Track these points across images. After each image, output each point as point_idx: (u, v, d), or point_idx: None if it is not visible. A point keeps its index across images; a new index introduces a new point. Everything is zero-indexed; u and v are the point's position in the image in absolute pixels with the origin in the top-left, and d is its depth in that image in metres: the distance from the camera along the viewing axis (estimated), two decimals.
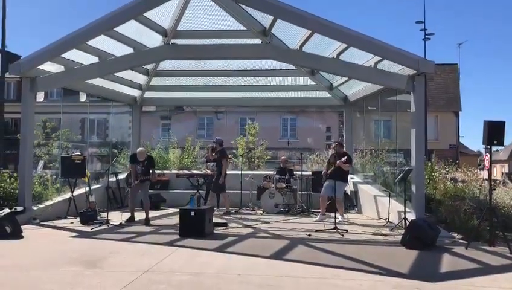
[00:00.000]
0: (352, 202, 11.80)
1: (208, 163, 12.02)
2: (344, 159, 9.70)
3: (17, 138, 10.00)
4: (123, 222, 9.17)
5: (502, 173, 33.67)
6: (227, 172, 11.32)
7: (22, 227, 8.00)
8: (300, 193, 11.65)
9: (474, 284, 5.23)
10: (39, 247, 7.16)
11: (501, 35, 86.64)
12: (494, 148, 8.18)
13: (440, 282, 5.30)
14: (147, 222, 9.25)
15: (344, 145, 11.64)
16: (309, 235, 8.03)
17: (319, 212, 11.19)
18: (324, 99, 13.43)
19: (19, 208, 8.90)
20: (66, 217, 9.82)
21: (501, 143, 7.46)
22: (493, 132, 7.28)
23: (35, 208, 9.56)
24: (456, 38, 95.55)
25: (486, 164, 7.95)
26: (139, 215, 9.56)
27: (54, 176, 11.77)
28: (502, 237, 7.12)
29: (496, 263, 6.26)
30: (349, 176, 12.58)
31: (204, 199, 11.00)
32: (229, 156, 12.36)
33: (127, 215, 9.62)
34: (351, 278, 5.43)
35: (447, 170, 10.84)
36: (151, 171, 9.51)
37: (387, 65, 9.15)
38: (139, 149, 10.12)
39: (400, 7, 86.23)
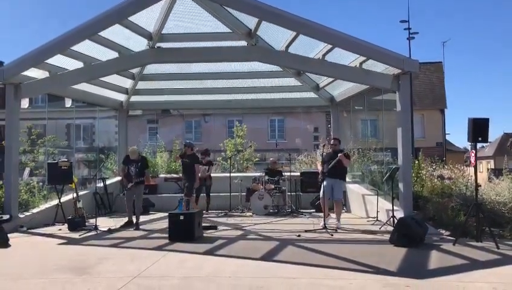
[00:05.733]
0: None
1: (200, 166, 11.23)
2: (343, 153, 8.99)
3: (2, 145, 9.88)
4: (114, 227, 9.10)
5: (488, 169, 34.04)
6: (215, 175, 11.20)
7: (9, 235, 7.90)
8: (289, 193, 11.67)
9: (463, 280, 5.29)
10: (27, 255, 7.07)
11: (484, 33, 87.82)
12: (479, 144, 8.27)
13: (429, 279, 5.34)
14: (136, 226, 9.20)
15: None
16: (298, 235, 8.04)
17: (308, 212, 11.22)
18: (311, 99, 13.49)
19: (5, 216, 8.81)
20: (53, 224, 9.73)
21: (485, 140, 7.54)
22: (477, 129, 7.37)
23: (22, 216, 9.46)
24: (441, 36, 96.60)
25: (472, 160, 8.02)
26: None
27: (41, 183, 11.64)
28: (489, 232, 7.23)
29: (483, 259, 6.34)
30: None
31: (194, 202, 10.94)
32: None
33: (117, 220, 9.56)
34: (341, 277, 5.45)
35: (434, 167, 10.93)
36: (145, 172, 9.43)
37: (373, 65, 9.22)
38: (130, 148, 10.06)
39: (384, 6, 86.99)
